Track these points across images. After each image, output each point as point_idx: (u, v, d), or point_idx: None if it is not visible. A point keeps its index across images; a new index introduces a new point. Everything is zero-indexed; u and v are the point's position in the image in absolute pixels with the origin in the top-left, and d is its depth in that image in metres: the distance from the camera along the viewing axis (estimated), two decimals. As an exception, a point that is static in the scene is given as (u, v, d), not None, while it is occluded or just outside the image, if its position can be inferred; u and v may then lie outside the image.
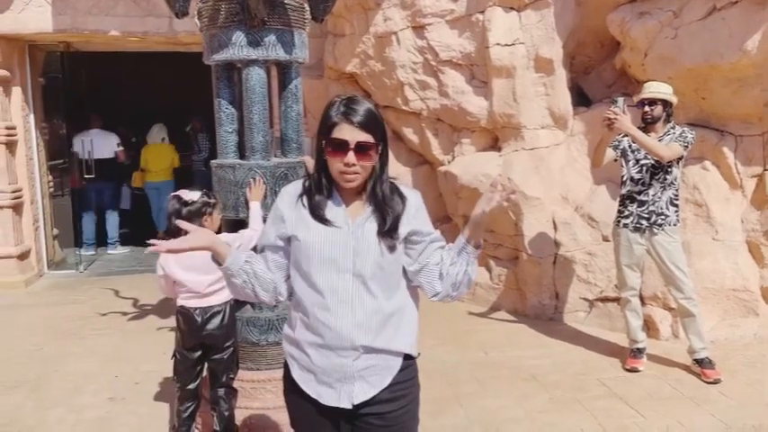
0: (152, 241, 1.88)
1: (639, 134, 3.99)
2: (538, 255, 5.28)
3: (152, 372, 4.24)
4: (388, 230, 1.86)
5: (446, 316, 5.30)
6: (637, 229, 4.20)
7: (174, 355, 3.15)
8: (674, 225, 4.17)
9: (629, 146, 4.23)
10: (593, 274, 5.10)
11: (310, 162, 3.51)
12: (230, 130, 3.42)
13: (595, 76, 5.75)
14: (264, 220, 2.78)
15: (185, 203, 2.95)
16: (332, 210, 1.89)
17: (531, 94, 5.39)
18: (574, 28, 5.41)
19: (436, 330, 4.94)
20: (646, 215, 4.17)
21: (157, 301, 5.74)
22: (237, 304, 3.24)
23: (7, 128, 6.57)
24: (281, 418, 3.12)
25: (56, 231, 7.56)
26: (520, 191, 5.29)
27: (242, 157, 3.42)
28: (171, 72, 9.61)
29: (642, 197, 4.18)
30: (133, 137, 9.52)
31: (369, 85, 6.14)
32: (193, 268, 2.98)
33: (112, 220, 8.39)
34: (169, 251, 1.88)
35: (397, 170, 6.09)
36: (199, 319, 3.03)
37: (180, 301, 3.07)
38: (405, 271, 1.95)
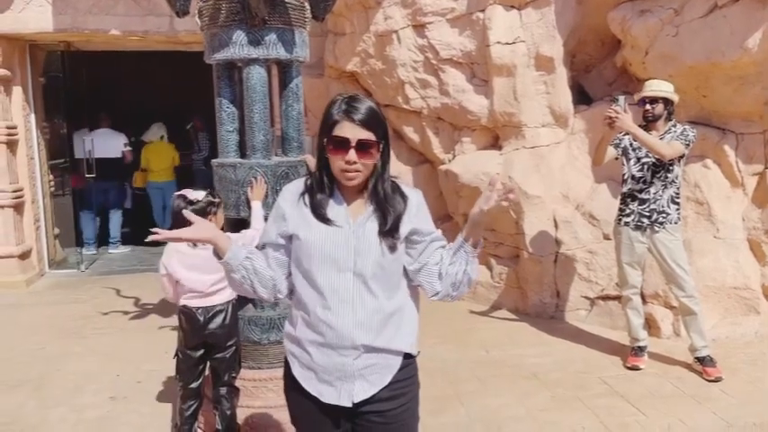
0: (154, 230, 1.88)
1: (640, 132, 3.99)
2: (539, 253, 5.28)
3: (153, 371, 4.24)
4: (389, 230, 1.86)
5: (447, 314, 5.30)
6: (638, 228, 4.20)
7: (177, 355, 3.16)
8: (676, 223, 4.17)
9: (631, 144, 4.23)
10: (594, 272, 5.10)
11: (311, 161, 3.52)
12: (231, 129, 3.42)
13: (596, 75, 5.75)
14: (266, 219, 2.79)
15: (190, 203, 2.96)
16: (333, 208, 1.89)
17: (532, 92, 5.39)
18: (574, 26, 5.40)
19: (437, 329, 4.94)
20: (647, 213, 4.17)
21: (159, 301, 5.74)
22: (239, 303, 3.24)
23: (8, 127, 6.57)
24: (283, 416, 3.12)
25: (57, 231, 7.57)
26: (521, 189, 5.30)
27: (243, 156, 3.42)
28: (171, 71, 9.60)
29: (643, 195, 4.18)
30: (132, 137, 9.53)
31: (369, 83, 6.14)
32: (196, 268, 2.99)
33: (116, 219, 8.40)
34: (170, 239, 1.89)
35: (398, 169, 6.09)
36: (201, 319, 3.04)
37: (182, 301, 3.07)
38: (405, 270, 1.95)
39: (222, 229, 3.16)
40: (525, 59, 5.35)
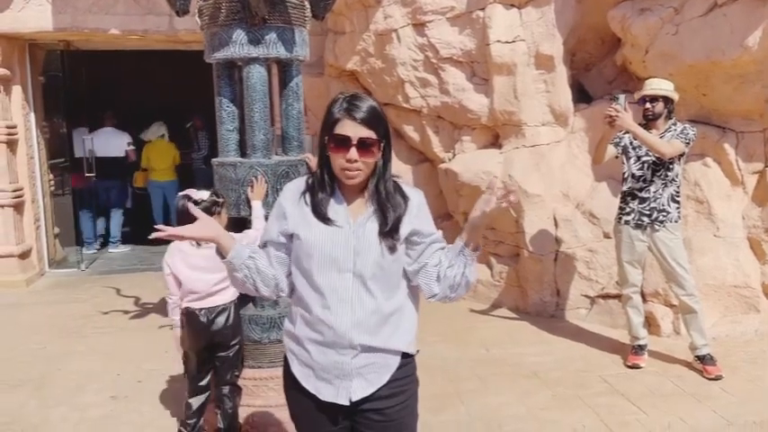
0: (159, 227, 1.87)
1: (641, 131, 3.99)
2: (539, 252, 5.28)
3: (154, 370, 4.25)
4: (389, 231, 1.86)
5: (447, 313, 5.30)
6: (638, 226, 4.20)
7: (185, 354, 3.17)
8: (676, 222, 4.17)
9: (631, 143, 4.23)
10: (594, 270, 5.10)
11: (312, 160, 3.52)
12: (231, 128, 3.43)
13: (596, 73, 5.75)
14: (266, 219, 2.79)
15: (195, 203, 2.97)
16: (333, 208, 1.89)
17: (532, 91, 5.39)
18: (574, 25, 5.40)
19: (437, 327, 4.94)
20: (647, 212, 4.17)
21: (159, 300, 5.74)
22: (241, 302, 3.25)
23: (8, 127, 6.57)
24: (283, 415, 3.12)
25: (57, 230, 7.57)
26: (521, 188, 5.30)
27: (243, 155, 3.42)
28: (171, 70, 9.60)
29: (643, 194, 4.18)
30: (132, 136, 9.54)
31: (369, 82, 6.14)
32: (199, 267, 2.99)
33: (116, 218, 8.40)
34: (173, 237, 1.88)
35: (398, 168, 6.09)
36: (204, 320, 3.04)
37: (185, 304, 3.08)
38: (405, 270, 1.95)
39: (226, 228, 3.16)
40: (525, 58, 5.35)
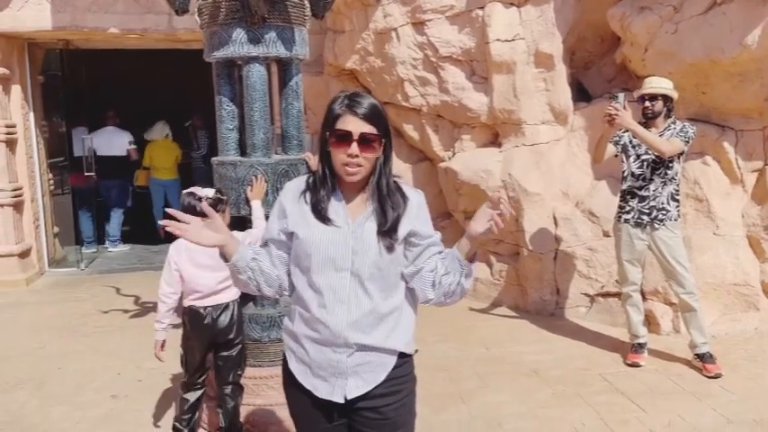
0: (163, 222, 1.86)
1: (640, 129, 4.00)
2: (539, 250, 5.28)
3: (154, 369, 4.24)
4: (387, 230, 1.87)
5: (447, 312, 5.28)
6: (638, 225, 4.21)
7: (184, 354, 3.16)
8: (675, 220, 4.18)
9: (630, 141, 4.23)
10: (593, 269, 5.10)
11: (312, 159, 3.52)
12: (231, 127, 3.42)
13: (596, 72, 5.75)
14: (267, 218, 2.79)
15: (199, 200, 2.97)
16: (333, 207, 1.89)
17: (532, 89, 5.39)
18: (574, 23, 5.40)
19: (437, 326, 4.95)
20: (647, 210, 4.17)
21: (159, 299, 5.74)
22: (242, 301, 3.25)
23: (7, 126, 6.57)
24: (284, 414, 3.13)
25: (56, 229, 7.57)
26: (521, 187, 5.31)
27: (243, 154, 3.42)
28: (170, 69, 9.60)
29: (643, 192, 4.18)
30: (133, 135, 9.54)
31: (369, 81, 6.14)
32: (205, 265, 2.98)
33: (116, 218, 8.41)
34: (178, 233, 1.86)
35: (398, 166, 6.08)
36: (208, 318, 3.04)
37: (188, 302, 3.06)
38: (402, 272, 1.95)
39: (228, 227, 3.16)
40: (525, 57, 5.35)
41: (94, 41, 7.17)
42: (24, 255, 6.77)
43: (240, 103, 3.42)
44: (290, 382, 2.00)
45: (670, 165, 4.13)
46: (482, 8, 5.41)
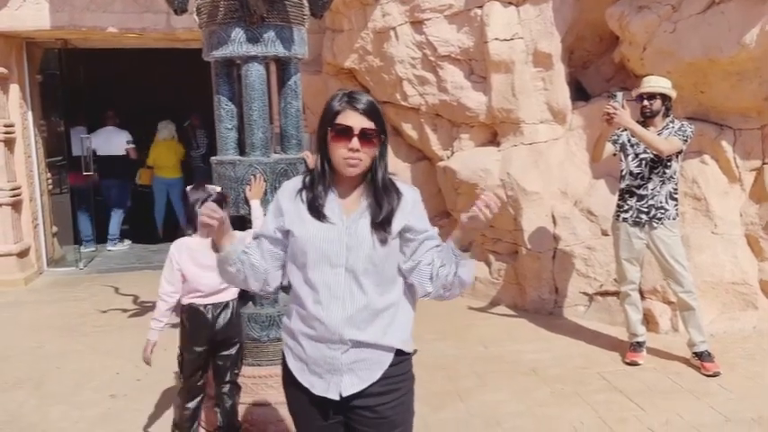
0: (208, 211, 1.87)
1: (638, 128, 4.00)
2: (537, 249, 5.29)
3: (153, 368, 4.23)
4: (380, 222, 1.88)
5: (446, 311, 5.31)
6: (636, 224, 4.21)
7: (181, 355, 3.15)
8: (674, 219, 4.18)
9: (629, 140, 4.24)
10: (592, 268, 5.11)
11: (310, 158, 3.52)
12: (230, 126, 3.42)
13: (594, 71, 5.75)
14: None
15: (210, 195, 2.98)
16: (328, 205, 1.92)
17: (530, 88, 5.39)
18: (572, 22, 5.40)
19: (436, 325, 4.95)
20: (645, 209, 4.18)
21: (158, 298, 5.74)
22: (240, 300, 3.25)
23: (5, 125, 6.56)
24: (283, 413, 3.14)
25: (55, 229, 7.56)
26: (519, 186, 5.31)
27: (242, 153, 3.42)
28: (169, 68, 9.59)
29: (641, 191, 4.19)
30: (134, 135, 9.53)
31: (367, 80, 6.14)
32: (206, 265, 2.97)
33: (117, 217, 8.42)
34: (214, 227, 1.88)
35: (396, 166, 6.09)
36: (209, 316, 3.03)
37: (187, 300, 3.06)
38: (400, 268, 1.96)
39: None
40: (523, 56, 5.36)
41: (93, 41, 7.17)
42: (23, 254, 6.77)
43: (239, 103, 3.42)
44: (288, 379, 2.02)
45: (668, 164, 4.13)
46: (481, 7, 5.41)
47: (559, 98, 5.40)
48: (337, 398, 1.91)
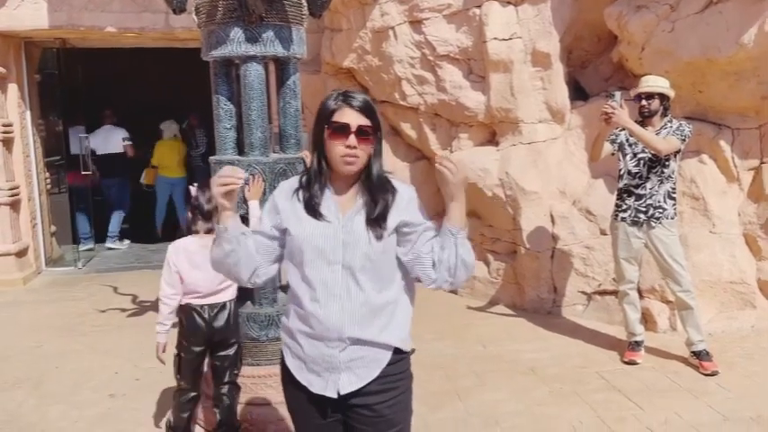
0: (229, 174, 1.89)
1: (637, 128, 4.01)
2: (536, 249, 5.29)
3: (152, 368, 4.23)
4: (376, 218, 1.90)
5: (445, 310, 5.32)
6: (634, 223, 4.22)
7: (178, 354, 3.15)
8: (672, 218, 4.19)
9: (627, 140, 4.24)
10: (591, 267, 5.12)
11: (309, 157, 3.52)
12: (229, 126, 3.43)
13: (592, 70, 5.76)
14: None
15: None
16: (325, 202, 1.93)
17: (529, 88, 5.40)
18: (571, 22, 5.41)
19: (435, 324, 4.96)
20: (643, 209, 4.18)
21: (156, 298, 5.72)
22: (239, 300, 3.25)
23: (3, 125, 6.55)
24: (282, 412, 3.14)
25: (53, 228, 7.56)
26: (518, 185, 5.31)
27: (241, 153, 3.43)
28: (167, 68, 9.59)
29: (640, 191, 4.19)
30: (132, 134, 9.53)
31: (366, 80, 6.14)
32: (203, 267, 2.97)
33: (117, 217, 8.42)
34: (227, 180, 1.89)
35: (395, 165, 6.09)
36: (207, 316, 3.04)
37: (185, 300, 3.06)
38: (401, 264, 1.97)
39: None
40: (522, 55, 5.36)
41: (91, 40, 7.16)
42: (21, 254, 6.77)
43: (238, 102, 3.42)
44: (287, 378, 2.02)
45: (666, 163, 4.14)
46: (479, 7, 5.41)
47: (558, 98, 5.41)
48: (335, 396, 1.91)
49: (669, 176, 4.17)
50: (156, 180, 8.83)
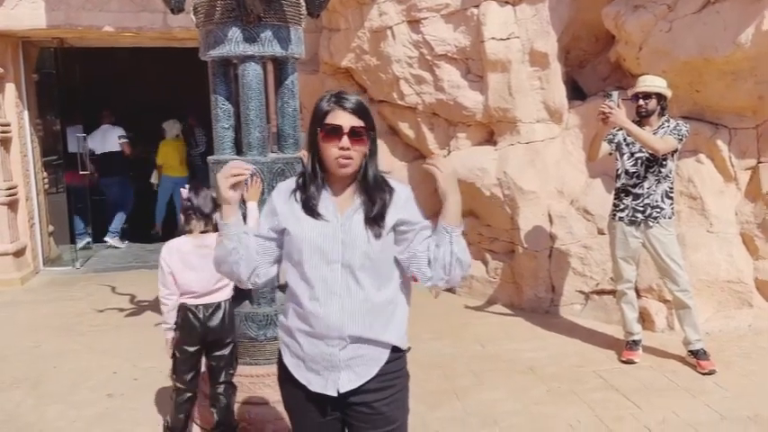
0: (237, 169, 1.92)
1: (634, 127, 4.02)
2: (534, 248, 5.30)
3: (150, 368, 4.25)
4: (374, 217, 1.91)
5: (443, 309, 5.33)
6: (632, 222, 4.23)
7: (174, 354, 3.15)
8: (669, 218, 4.20)
9: (624, 139, 4.25)
10: (588, 267, 5.12)
11: (307, 157, 3.52)
12: (227, 126, 3.43)
13: (590, 70, 5.77)
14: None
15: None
16: (323, 203, 1.94)
17: (527, 88, 5.40)
18: (569, 21, 5.41)
19: (433, 324, 4.96)
20: (641, 208, 4.19)
21: (155, 297, 5.72)
22: (236, 300, 3.25)
23: (1, 125, 6.55)
24: (280, 411, 3.14)
25: (51, 228, 7.54)
26: (516, 185, 5.32)
27: (239, 152, 3.43)
28: (165, 68, 9.58)
29: (637, 190, 4.20)
30: (131, 133, 9.53)
31: (364, 79, 6.14)
32: (197, 267, 2.98)
33: (119, 217, 8.42)
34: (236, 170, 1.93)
35: (393, 165, 6.10)
36: (201, 316, 3.04)
37: (180, 300, 3.07)
38: (398, 262, 1.98)
39: None
40: (520, 55, 5.37)
41: (89, 40, 7.15)
42: (19, 254, 6.76)
43: (236, 102, 3.42)
44: (284, 376, 2.03)
45: (664, 163, 4.15)
46: (477, 6, 5.42)
47: (556, 97, 5.41)
48: (335, 394, 1.92)
49: (666, 176, 4.18)
50: (161, 179, 8.87)
